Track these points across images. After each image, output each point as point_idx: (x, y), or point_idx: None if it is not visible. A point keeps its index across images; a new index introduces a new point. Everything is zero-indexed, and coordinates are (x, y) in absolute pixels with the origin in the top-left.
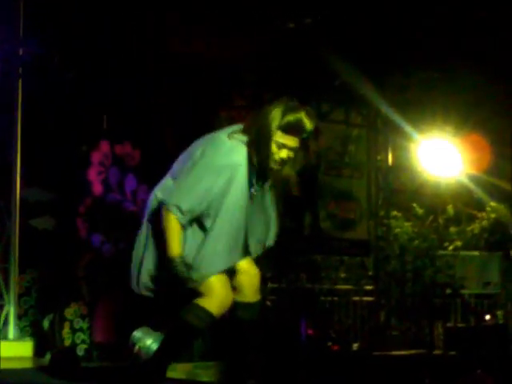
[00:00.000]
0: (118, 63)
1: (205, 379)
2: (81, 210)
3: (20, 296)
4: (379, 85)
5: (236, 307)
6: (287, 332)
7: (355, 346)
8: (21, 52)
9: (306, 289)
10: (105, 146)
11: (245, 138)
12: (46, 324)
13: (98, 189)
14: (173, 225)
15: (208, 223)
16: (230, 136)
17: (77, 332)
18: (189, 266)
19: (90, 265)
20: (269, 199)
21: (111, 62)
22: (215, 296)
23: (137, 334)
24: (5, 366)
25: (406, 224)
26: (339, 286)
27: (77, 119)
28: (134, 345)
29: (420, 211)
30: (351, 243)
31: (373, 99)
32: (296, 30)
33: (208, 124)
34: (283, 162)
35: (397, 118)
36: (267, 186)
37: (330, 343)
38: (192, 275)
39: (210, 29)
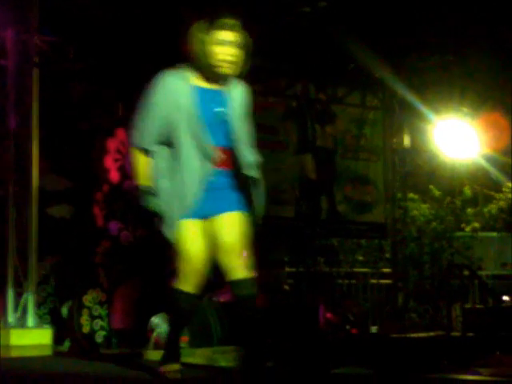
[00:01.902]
0: (133, 50)
1: (224, 364)
2: (98, 198)
3: (38, 284)
4: (395, 67)
5: (231, 286)
6: (306, 316)
7: (373, 328)
8: (36, 40)
9: (324, 272)
10: (121, 134)
11: (187, 66)
12: (64, 311)
13: (114, 176)
14: (134, 157)
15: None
16: (166, 73)
17: (95, 319)
18: (153, 194)
19: (108, 252)
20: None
21: (126, 49)
22: (183, 260)
23: (155, 320)
24: (24, 353)
25: (423, 206)
26: (357, 269)
27: (93, 107)
28: (152, 331)
29: (437, 193)
30: (368, 226)
31: (389, 81)
32: (311, 14)
33: None
34: (231, 62)
35: (413, 99)
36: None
37: (348, 326)
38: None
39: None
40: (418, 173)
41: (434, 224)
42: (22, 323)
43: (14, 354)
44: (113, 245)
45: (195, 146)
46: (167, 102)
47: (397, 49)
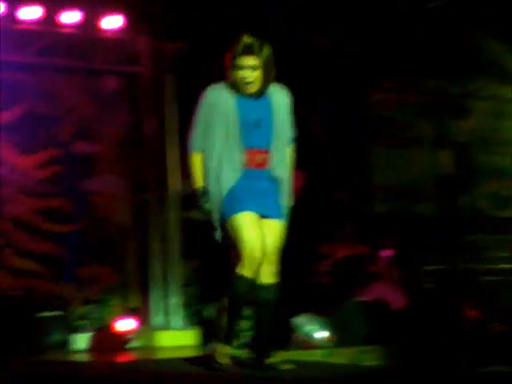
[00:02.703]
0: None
1: (369, 363)
2: None
3: (183, 286)
4: None
5: (257, 288)
6: (448, 314)
7: None
8: (169, 46)
9: (467, 270)
10: None
11: (223, 83)
12: (209, 313)
13: None
14: (190, 161)
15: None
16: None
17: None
18: (207, 195)
19: None
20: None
21: None
22: (245, 249)
23: (297, 320)
24: (171, 355)
25: None
26: (501, 266)
27: None
28: (294, 331)
29: None
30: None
31: None
32: (439, 9)
33: (358, 108)
34: (250, 82)
35: None
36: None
37: (493, 324)
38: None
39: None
40: None
41: None
42: (166, 325)
43: (159, 355)
44: None
45: (230, 148)
46: (210, 110)
47: None
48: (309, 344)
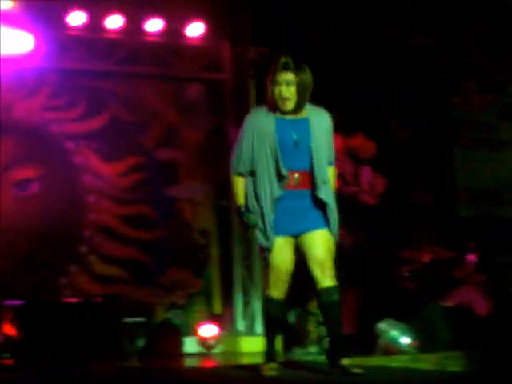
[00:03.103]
0: (346, 58)
1: (453, 369)
2: None
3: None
4: None
5: (319, 293)
6: None
7: None
8: (251, 52)
9: None
10: (338, 140)
11: (265, 106)
12: (291, 318)
13: None
14: (233, 181)
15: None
16: (252, 111)
17: (322, 325)
18: (249, 211)
19: None
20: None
21: (339, 58)
22: (271, 270)
23: (381, 325)
24: (253, 360)
25: None
26: None
27: None
28: (379, 336)
29: None
30: None
31: None
32: None
33: (440, 112)
34: (286, 98)
35: None
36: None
37: None
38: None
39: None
40: None
41: None
42: (250, 330)
43: (244, 361)
44: (336, 251)
45: (271, 169)
46: (253, 133)
47: None
48: (392, 350)
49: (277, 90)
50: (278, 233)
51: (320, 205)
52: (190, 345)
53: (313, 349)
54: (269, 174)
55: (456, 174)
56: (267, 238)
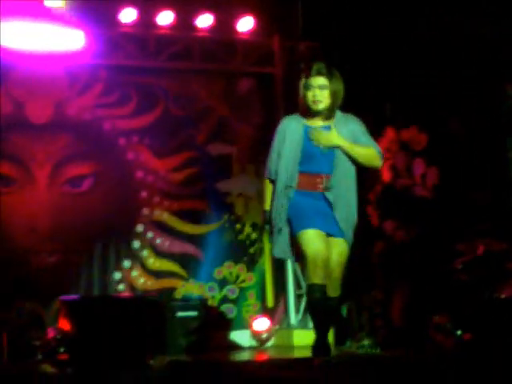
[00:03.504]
0: (396, 48)
1: None
2: (371, 198)
3: None
4: None
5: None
6: None
7: None
8: (301, 47)
9: None
10: (390, 133)
11: (297, 114)
12: (344, 311)
13: (386, 175)
14: (264, 185)
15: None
16: (285, 117)
17: (375, 318)
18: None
19: (384, 252)
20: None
21: (389, 49)
22: (308, 260)
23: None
24: (306, 354)
25: None
26: None
27: (360, 108)
28: (435, 329)
29: None
30: None
31: None
32: None
33: (493, 101)
34: (318, 101)
35: None
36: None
37: None
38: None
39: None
40: None
41: None
42: (303, 324)
43: (297, 354)
44: (388, 244)
45: (288, 173)
46: (282, 139)
47: None
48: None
49: (310, 93)
50: (311, 225)
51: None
52: (243, 338)
53: (366, 342)
54: (285, 176)
55: (509, 165)
56: (279, 240)
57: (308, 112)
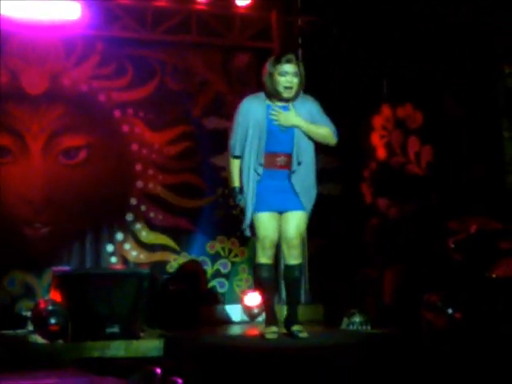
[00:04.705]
0: (395, 25)
1: None
2: (365, 175)
3: (310, 261)
4: None
5: (285, 269)
6: None
7: None
8: (300, 22)
9: None
10: (386, 110)
11: (260, 93)
12: (332, 289)
13: (381, 153)
14: (229, 163)
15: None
16: (246, 98)
17: (367, 295)
18: (241, 194)
19: (377, 229)
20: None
21: (389, 26)
22: (258, 244)
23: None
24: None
25: None
26: None
27: (356, 85)
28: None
29: None
30: None
31: None
32: None
33: (488, 80)
34: (290, 87)
35: None
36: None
37: None
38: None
39: None
40: None
41: None
42: None
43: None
44: (381, 222)
45: (255, 152)
46: (246, 119)
47: None
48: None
49: (282, 79)
50: (264, 208)
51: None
52: (234, 313)
53: (357, 319)
54: (254, 155)
55: (505, 145)
56: (246, 217)
57: (275, 95)
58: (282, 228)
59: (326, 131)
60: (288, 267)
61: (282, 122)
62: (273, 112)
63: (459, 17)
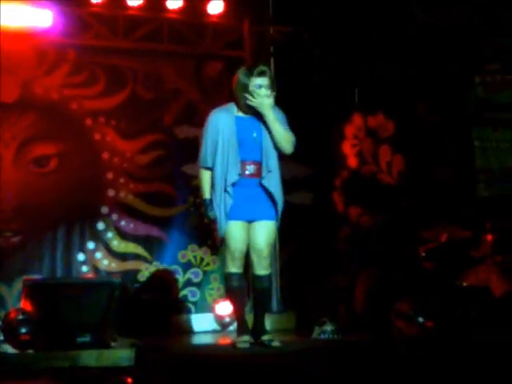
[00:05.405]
0: (368, 37)
1: None
2: (337, 184)
3: (282, 269)
4: None
5: (253, 279)
6: None
7: None
8: (271, 31)
9: None
10: (357, 119)
11: (228, 104)
12: (304, 297)
13: (352, 162)
14: (200, 175)
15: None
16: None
17: (338, 304)
18: (212, 205)
19: (349, 238)
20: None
21: (362, 36)
22: (227, 253)
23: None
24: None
25: None
26: None
27: (328, 94)
28: (397, 316)
29: None
30: None
31: None
32: None
33: (461, 91)
34: (263, 99)
35: None
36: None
37: None
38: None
39: None
40: None
41: None
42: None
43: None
44: (353, 230)
45: (233, 162)
46: (215, 131)
47: None
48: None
49: (256, 92)
50: (233, 218)
51: (267, 194)
52: (206, 322)
53: (329, 327)
54: (226, 165)
55: (475, 155)
56: (220, 227)
57: (246, 107)
58: (251, 237)
59: (288, 135)
60: (257, 277)
61: (255, 103)
62: (252, 92)
63: (433, 27)
